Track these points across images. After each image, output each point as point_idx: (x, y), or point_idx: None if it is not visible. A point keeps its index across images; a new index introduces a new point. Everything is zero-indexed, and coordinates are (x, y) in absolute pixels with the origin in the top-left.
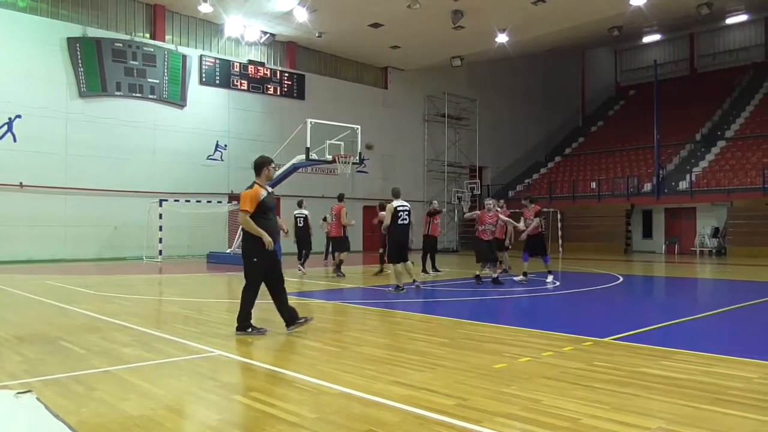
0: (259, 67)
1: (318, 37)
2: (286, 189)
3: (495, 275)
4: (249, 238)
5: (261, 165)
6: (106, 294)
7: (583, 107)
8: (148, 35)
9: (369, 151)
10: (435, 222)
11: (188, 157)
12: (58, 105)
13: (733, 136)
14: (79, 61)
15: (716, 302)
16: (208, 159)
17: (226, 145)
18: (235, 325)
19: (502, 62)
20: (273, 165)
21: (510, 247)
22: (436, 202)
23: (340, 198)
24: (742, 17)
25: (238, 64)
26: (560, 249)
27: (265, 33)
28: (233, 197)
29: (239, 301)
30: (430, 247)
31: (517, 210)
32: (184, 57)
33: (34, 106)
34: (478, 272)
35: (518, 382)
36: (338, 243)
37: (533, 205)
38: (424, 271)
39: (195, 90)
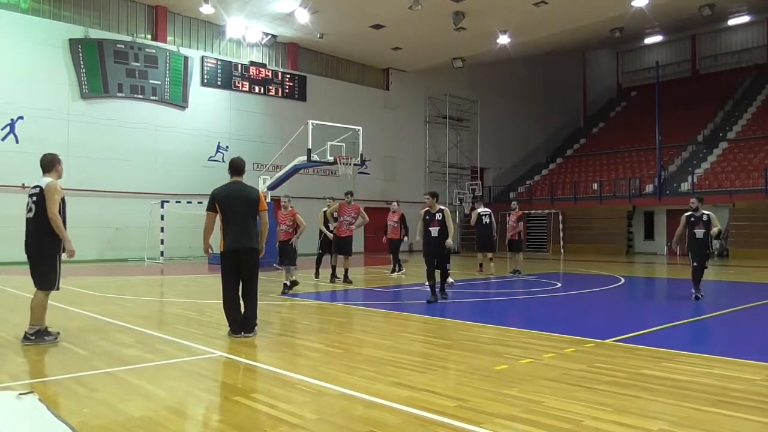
0: (260, 69)
1: (319, 38)
2: (287, 190)
3: (287, 281)
4: (257, 236)
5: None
6: (108, 295)
7: (584, 108)
8: (149, 36)
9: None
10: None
11: (190, 158)
12: (60, 106)
13: (735, 138)
14: (81, 62)
15: (718, 304)
16: (209, 160)
17: (227, 147)
18: (243, 325)
19: (503, 63)
20: None
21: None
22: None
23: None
24: (745, 18)
25: (239, 66)
26: (561, 250)
27: (266, 34)
28: None
29: (252, 302)
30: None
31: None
32: (186, 58)
33: (36, 107)
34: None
35: (519, 384)
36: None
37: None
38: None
39: (196, 91)
